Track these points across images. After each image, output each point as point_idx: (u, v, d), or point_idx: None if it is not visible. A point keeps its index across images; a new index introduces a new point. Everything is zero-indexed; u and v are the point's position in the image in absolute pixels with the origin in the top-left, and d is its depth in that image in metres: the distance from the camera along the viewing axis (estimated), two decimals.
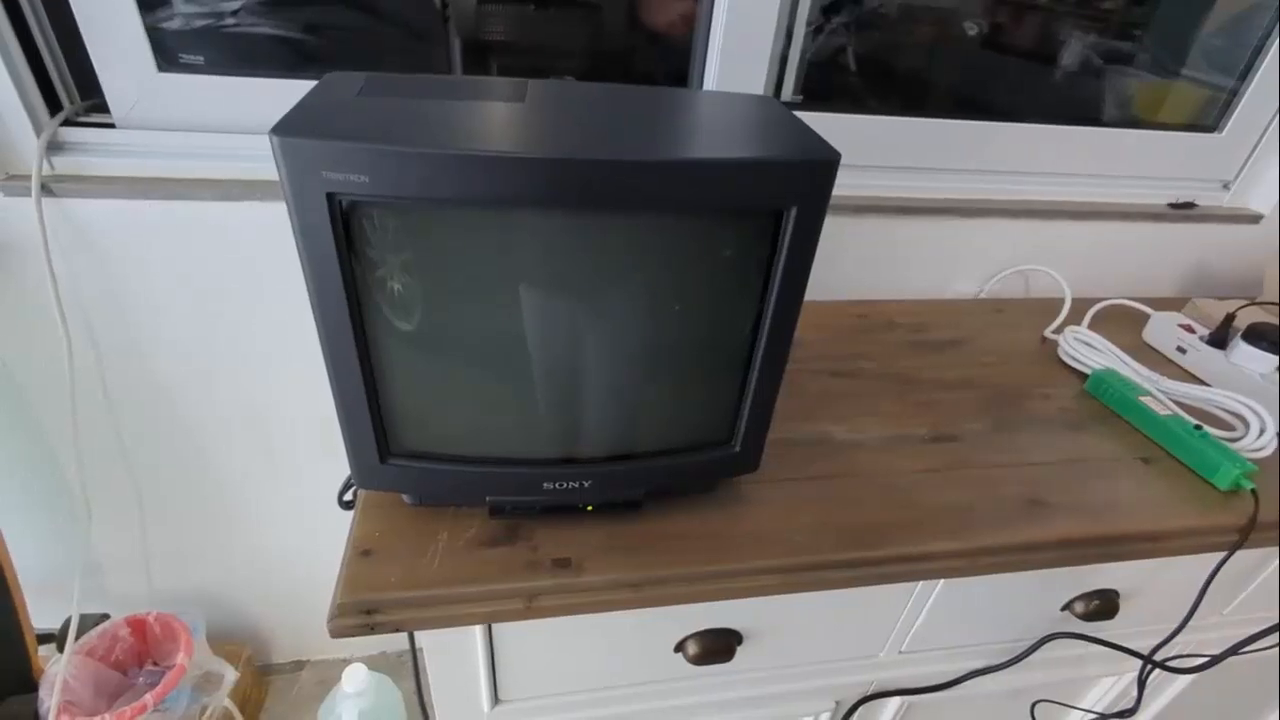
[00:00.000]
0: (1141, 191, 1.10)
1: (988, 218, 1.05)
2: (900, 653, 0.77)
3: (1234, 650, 0.73)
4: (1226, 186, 1.14)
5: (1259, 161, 1.11)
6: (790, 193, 0.45)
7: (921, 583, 0.70)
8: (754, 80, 0.90)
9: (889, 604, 0.72)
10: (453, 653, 0.63)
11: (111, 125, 0.84)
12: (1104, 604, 0.76)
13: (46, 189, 0.81)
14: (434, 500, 0.60)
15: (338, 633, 0.52)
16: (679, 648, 0.69)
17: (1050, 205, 1.06)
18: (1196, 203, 1.12)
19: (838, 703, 0.81)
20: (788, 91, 0.96)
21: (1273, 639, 0.74)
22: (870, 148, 0.98)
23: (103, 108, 0.83)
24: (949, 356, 0.91)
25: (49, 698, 0.94)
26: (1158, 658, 0.75)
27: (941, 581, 0.70)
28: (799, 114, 0.91)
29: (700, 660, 0.68)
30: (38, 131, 0.80)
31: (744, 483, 0.66)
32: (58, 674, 0.95)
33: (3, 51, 0.76)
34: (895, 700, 0.84)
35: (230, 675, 1.11)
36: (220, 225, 0.87)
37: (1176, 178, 1.11)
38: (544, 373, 0.50)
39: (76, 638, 0.99)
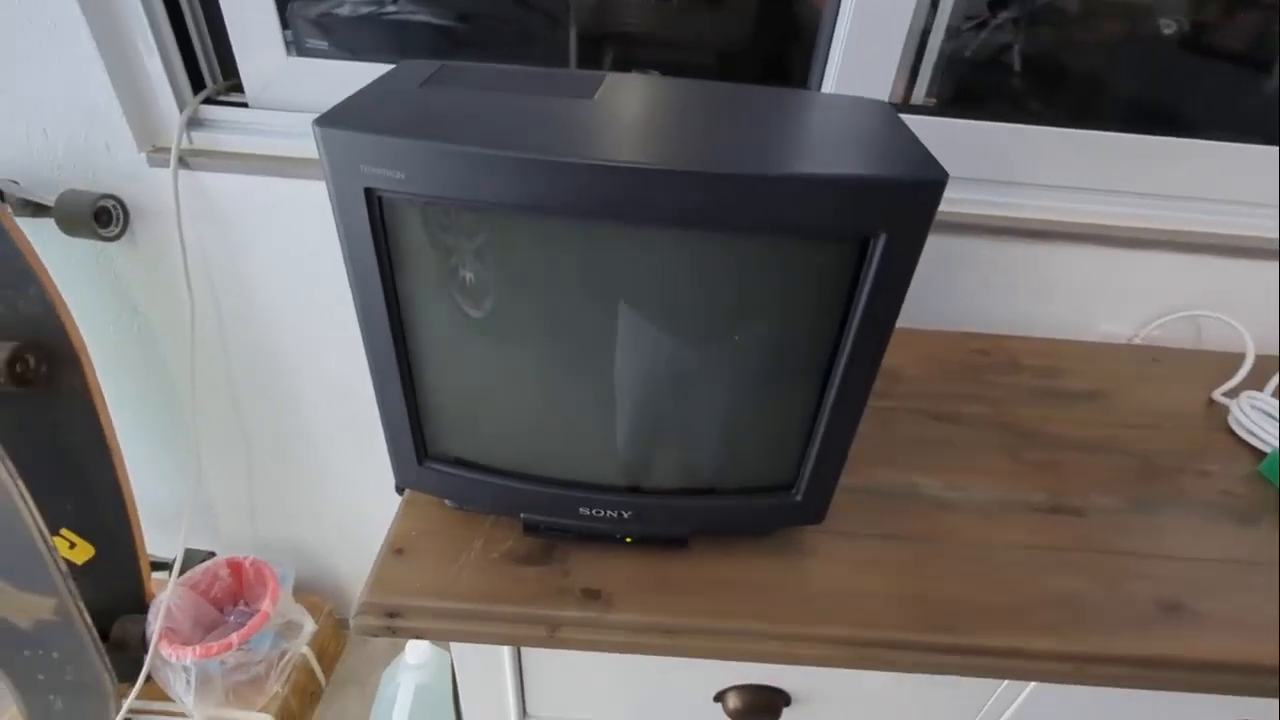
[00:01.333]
0: None
1: (1155, 250, 0.89)
2: None
3: None
4: None
5: None
6: (878, 218, 0.38)
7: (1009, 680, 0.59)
8: (880, 79, 0.81)
9: (968, 694, 0.62)
10: (481, 661, 0.61)
11: (245, 105, 0.89)
12: None
13: (183, 161, 0.87)
14: (474, 507, 0.58)
15: (360, 630, 0.52)
16: (719, 697, 0.63)
17: (1237, 240, 0.87)
18: None
19: None
20: (920, 93, 0.86)
21: None
22: (1019, 161, 0.85)
23: (241, 87, 0.88)
24: (1084, 410, 0.77)
25: (155, 621, 1.04)
26: None
27: (1032, 683, 0.59)
28: (931, 119, 0.83)
29: (740, 716, 0.62)
30: (181, 107, 0.87)
31: (809, 532, 0.59)
32: (163, 601, 1.05)
33: (156, 34, 0.82)
34: None
35: (309, 626, 1.17)
36: (328, 205, 0.90)
37: None
38: (580, 391, 0.47)
39: (182, 571, 1.09)
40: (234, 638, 1.04)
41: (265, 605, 1.10)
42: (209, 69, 0.90)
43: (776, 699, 0.62)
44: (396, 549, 0.56)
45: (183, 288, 0.94)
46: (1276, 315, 0.91)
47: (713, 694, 0.63)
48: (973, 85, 0.87)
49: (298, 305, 0.99)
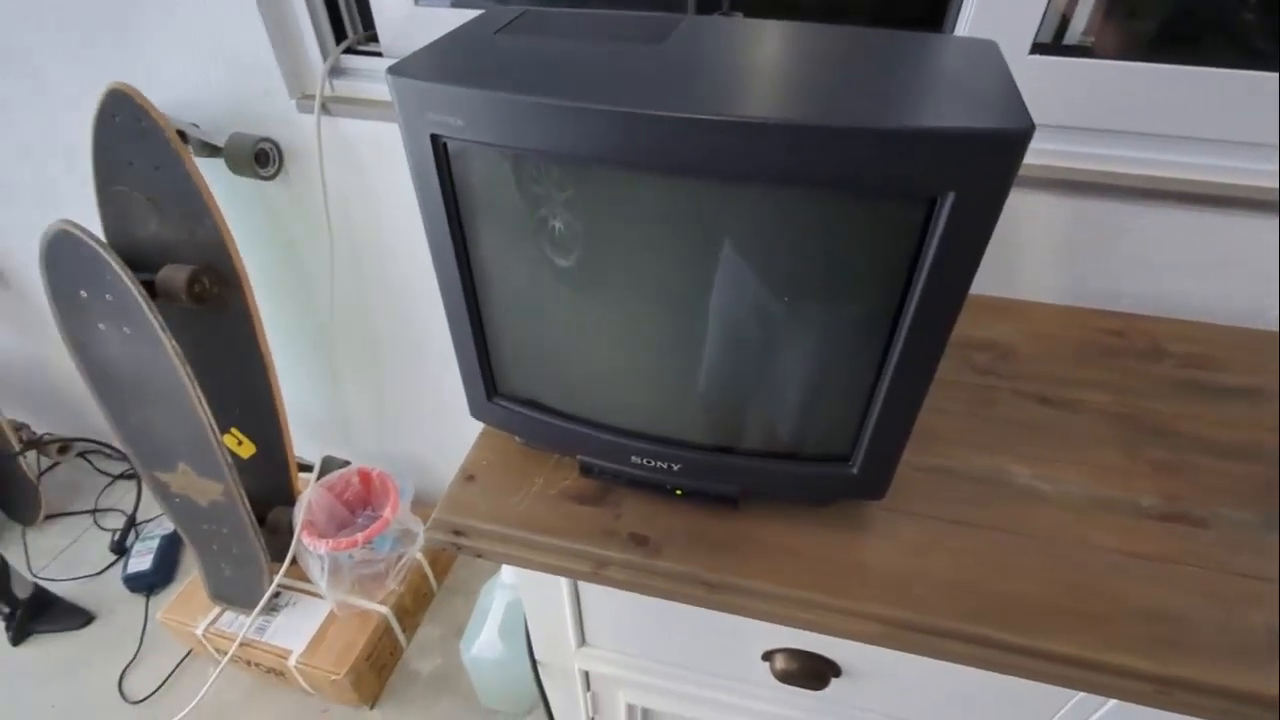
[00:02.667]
0: None
1: None
2: None
3: None
4: None
5: None
6: (943, 175, 0.34)
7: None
8: (1023, 15, 0.71)
9: (1038, 696, 0.58)
10: (543, 589, 0.66)
11: (380, 54, 0.96)
12: None
13: (325, 108, 0.96)
14: (537, 444, 0.61)
15: (429, 544, 0.57)
16: (767, 657, 0.63)
17: None
18: None
19: None
20: (1075, 32, 0.75)
21: None
22: (1197, 111, 0.72)
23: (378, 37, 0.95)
24: (1234, 409, 0.67)
25: (299, 513, 1.21)
26: None
27: (1113, 700, 0.54)
28: (1081, 61, 0.72)
29: (787, 679, 0.62)
30: (324, 57, 0.95)
31: (871, 507, 0.57)
32: (306, 497, 1.21)
33: None
34: None
35: (424, 536, 1.30)
36: None
37: None
38: (632, 340, 0.47)
39: (321, 474, 1.25)
40: (359, 537, 1.19)
41: (386, 513, 1.24)
42: (350, 20, 0.98)
43: (825, 668, 0.61)
44: (469, 475, 0.60)
45: (324, 224, 1.04)
46: None
47: (760, 652, 0.63)
48: (1198, 20, 0.73)
49: (422, 242, 1.07)
